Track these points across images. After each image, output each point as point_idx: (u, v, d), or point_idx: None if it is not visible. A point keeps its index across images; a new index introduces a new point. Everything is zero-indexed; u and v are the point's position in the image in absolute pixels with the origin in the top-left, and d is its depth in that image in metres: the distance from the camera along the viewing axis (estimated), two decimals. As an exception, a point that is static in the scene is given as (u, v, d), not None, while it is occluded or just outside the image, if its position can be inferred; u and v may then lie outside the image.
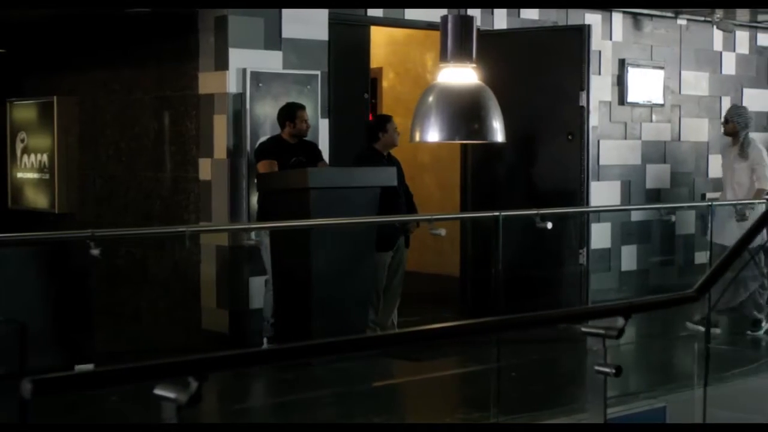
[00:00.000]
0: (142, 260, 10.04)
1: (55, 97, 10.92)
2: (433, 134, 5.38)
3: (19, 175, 11.51)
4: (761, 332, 9.61)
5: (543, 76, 10.03)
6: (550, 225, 7.13)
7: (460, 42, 5.42)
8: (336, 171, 8.73)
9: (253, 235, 6.28)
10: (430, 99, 5.44)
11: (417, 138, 5.46)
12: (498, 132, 5.40)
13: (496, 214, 6.80)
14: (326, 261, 8.32)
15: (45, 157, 11.09)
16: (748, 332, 9.66)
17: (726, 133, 9.96)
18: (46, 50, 11.38)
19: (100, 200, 10.65)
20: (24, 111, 11.49)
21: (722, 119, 10.05)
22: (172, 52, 9.68)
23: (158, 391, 2.63)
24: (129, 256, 10.16)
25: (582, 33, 9.96)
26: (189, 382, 2.62)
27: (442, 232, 6.97)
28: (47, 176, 11.06)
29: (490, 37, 10.43)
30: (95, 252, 5.42)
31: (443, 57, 5.48)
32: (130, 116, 10.24)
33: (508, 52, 10.19)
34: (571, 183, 9.93)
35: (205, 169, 9.27)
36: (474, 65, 5.49)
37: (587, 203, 9.89)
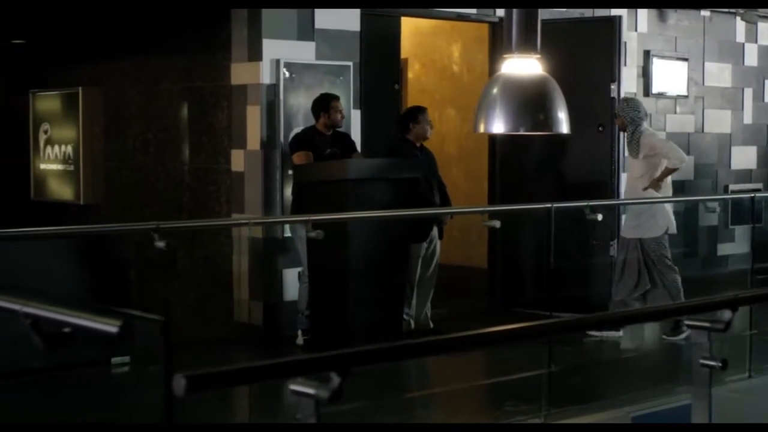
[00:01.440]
0: (172, 252, 9.97)
1: (80, 88, 10.84)
2: (498, 125, 5.34)
3: (42, 166, 11.43)
4: (682, 336, 8.76)
5: (573, 67, 9.96)
6: (600, 217, 7.09)
7: (525, 33, 5.37)
8: (373, 162, 8.68)
9: (308, 227, 6.19)
10: (495, 90, 5.39)
11: (481, 129, 5.41)
12: (563, 123, 5.36)
13: (548, 205, 6.75)
14: (363, 252, 8.29)
15: (69, 149, 11.02)
16: (665, 337, 9.08)
17: (619, 128, 9.42)
18: (69, 41, 11.29)
19: (126, 191, 10.58)
20: (47, 102, 11.42)
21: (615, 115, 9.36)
22: (202, 43, 9.61)
23: (295, 387, 2.58)
24: (158, 248, 10.07)
25: (613, 24, 9.92)
26: (330, 378, 2.57)
27: (497, 223, 6.93)
28: (72, 167, 10.99)
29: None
30: (161, 244, 5.36)
31: (507, 48, 5.43)
32: (158, 107, 10.18)
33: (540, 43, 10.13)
34: (601, 174, 9.89)
35: (237, 161, 9.21)
36: (538, 56, 5.45)
37: (617, 195, 9.84)
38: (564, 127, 5.37)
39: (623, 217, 9.57)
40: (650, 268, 9.13)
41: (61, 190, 11.18)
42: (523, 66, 5.42)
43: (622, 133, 9.50)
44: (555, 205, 6.83)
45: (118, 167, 10.68)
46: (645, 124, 9.20)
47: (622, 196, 9.49)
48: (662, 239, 9.13)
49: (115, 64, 10.69)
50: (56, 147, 11.21)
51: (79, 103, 10.80)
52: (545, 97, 5.36)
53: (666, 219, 9.14)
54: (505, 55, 5.47)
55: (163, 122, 10.14)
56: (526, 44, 5.37)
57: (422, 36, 11.19)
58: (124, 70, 10.57)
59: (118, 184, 10.69)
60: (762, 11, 12.26)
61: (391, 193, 8.36)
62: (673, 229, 9.24)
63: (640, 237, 9.09)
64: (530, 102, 5.36)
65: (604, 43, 9.83)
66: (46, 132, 11.36)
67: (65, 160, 11.09)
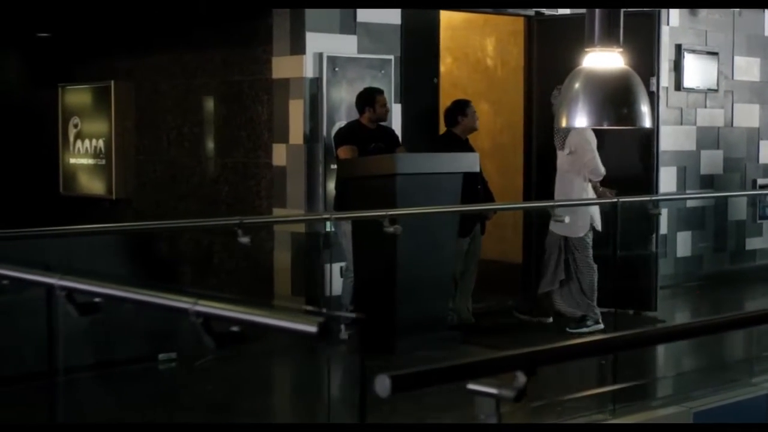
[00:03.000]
0: (208, 247, 9.91)
1: (112, 82, 10.76)
2: (581, 119, 5.29)
3: (72, 160, 11.36)
4: (585, 330, 8.94)
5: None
6: (660, 212, 7.05)
7: (608, 26, 5.32)
8: (421, 157, 8.60)
9: (386, 222, 6.13)
10: (577, 84, 5.34)
11: (564, 123, 5.37)
12: (646, 116, 5.32)
13: (615, 200, 6.71)
14: (410, 247, 8.22)
15: (101, 143, 10.94)
16: (569, 330, 9.04)
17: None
18: (98, 35, 11.20)
19: (159, 186, 10.51)
20: (77, 96, 11.34)
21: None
22: (240, 36, 9.55)
23: (475, 387, 2.52)
24: (192, 243, 10.03)
25: (652, 18, 9.87)
26: (516, 377, 2.51)
27: (566, 219, 6.88)
28: (103, 162, 10.92)
29: (555, 21, 10.36)
30: (245, 239, 5.30)
31: (590, 42, 5.38)
32: (193, 101, 10.11)
33: (573, 37, 10.09)
34: (639, 169, 9.85)
35: (279, 155, 9.14)
36: (621, 49, 5.40)
37: (656, 190, 9.79)
38: (647, 121, 5.33)
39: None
40: (569, 263, 9.10)
41: (92, 185, 11.10)
42: (606, 60, 5.37)
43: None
44: (621, 199, 6.78)
45: (151, 162, 10.61)
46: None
47: (555, 190, 9.31)
48: (586, 238, 9.05)
49: (149, 58, 10.61)
50: (86, 141, 11.13)
51: (111, 96, 10.72)
52: (629, 91, 5.32)
53: (587, 219, 9.00)
54: (586, 49, 5.41)
55: (198, 116, 10.07)
56: (609, 38, 5.32)
57: (454, 30, 11.12)
58: (158, 63, 10.49)
59: (150, 179, 10.62)
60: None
61: (439, 188, 8.30)
62: (598, 227, 9.05)
63: (565, 235, 9.03)
64: (614, 96, 5.32)
65: (644, 37, 9.77)
66: (76, 126, 11.28)
67: (96, 155, 11.01)
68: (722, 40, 12.00)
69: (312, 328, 2.29)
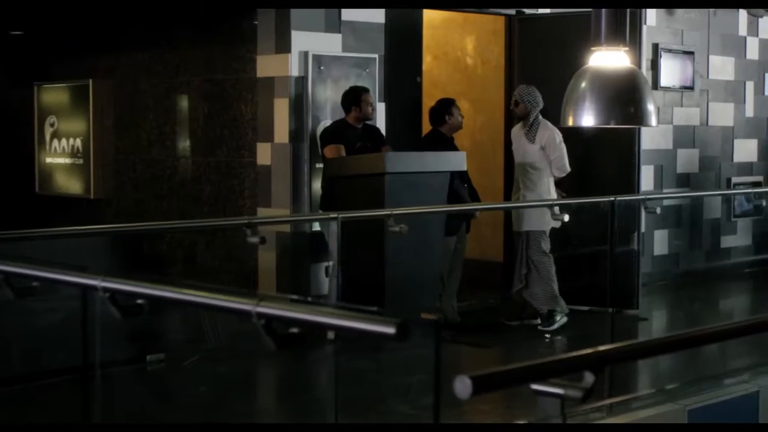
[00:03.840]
0: (191, 247, 9.84)
1: (90, 80, 10.65)
2: (587, 118, 5.30)
3: (48, 160, 11.23)
4: (554, 327, 9.08)
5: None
6: (659, 210, 7.08)
7: (615, 25, 5.33)
8: (410, 156, 8.60)
9: (390, 221, 6.10)
10: (583, 84, 5.34)
11: (570, 123, 5.37)
12: (652, 115, 5.34)
13: (611, 199, 6.73)
14: (399, 246, 8.21)
15: (78, 142, 10.83)
16: (540, 327, 9.11)
17: (517, 116, 9.28)
18: (77, 33, 11.08)
19: (139, 185, 10.42)
20: (54, 94, 11.21)
21: (512, 102, 9.24)
22: (223, 35, 9.49)
23: (539, 387, 2.51)
24: (175, 243, 9.96)
25: (634, 17, 9.89)
26: (583, 376, 2.50)
27: (566, 217, 6.89)
28: (81, 161, 10.81)
29: (535, 20, 10.39)
30: (254, 239, 5.26)
31: (596, 40, 5.38)
32: (175, 99, 10.04)
33: (554, 36, 10.13)
34: (621, 167, 9.88)
35: (263, 154, 9.10)
36: (627, 48, 5.40)
37: (638, 189, 9.83)
38: (653, 120, 5.36)
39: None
40: (529, 258, 9.13)
41: (69, 184, 10.99)
42: (612, 58, 5.37)
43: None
44: (618, 198, 6.81)
45: (130, 161, 10.51)
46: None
47: (521, 185, 9.30)
48: (546, 233, 9.09)
49: (129, 56, 10.51)
50: (63, 140, 11.02)
51: (90, 95, 10.62)
52: (635, 90, 5.33)
53: (548, 214, 9.03)
54: (592, 48, 5.41)
55: (180, 115, 10.00)
56: (616, 37, 5.32)
57: (434, 29, 11.10)
58: (138, 61, 10.40)
59: (130, 178, 10.53)
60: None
61: (427, 187, 8.29)
62: (557, 223, 9.08)
63: (527, 230, 9.07)
64: (621, 95, 5.33)
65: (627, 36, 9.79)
66: (52, 125, 11.16)
67: (74, 154, 10.90)
68: (698, 40, 12.08)
69: (390, 330, 2.26)
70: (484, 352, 8.61)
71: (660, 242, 11.76)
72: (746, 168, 12.75)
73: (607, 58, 5.38)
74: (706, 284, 11.84)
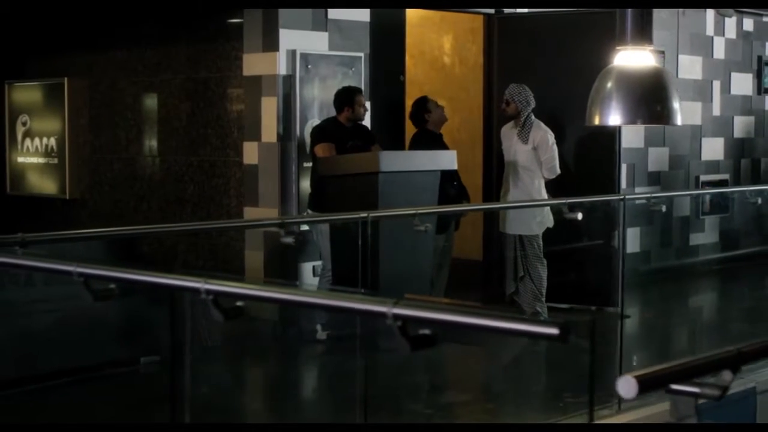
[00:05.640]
0: (172, 247, 9.74)
1: (65, 79, 10.50)
2: (614, 117, 5.31)
3: (20, 159, 11.06)
4: None
5: (571, 58, 9.99)
6: (664, 208, 7.13)
7: (640, 24, 5.35)
8: (403, 154, 8.61)
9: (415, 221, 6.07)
10: (609, 83, 5.36)
11: (596, 122, 5.39)
12: (678, 114, 5.37)
13: (620, 197, 6.76)
14: (391, 245, 8.18)
15: (53, 141, 10.68)
16: None
17: (508, 115, 9.28)
18: (52, 31, 10.90)
19: (117, 185, 10.30)
20: (26, 93, 11.04)
21: (503, 101, 9.22)
22: (207, 33, 9.41)
23: (675, 386, 2.50)
24: (156, 244, 9.84)
25: (613, 15, 9.94)
26: (721, 375, 2.50)
27: (579, 215, 6.90)
28: (55, 161, 10.66)
29: (514, 19, 10.41)
30: (288, 240, 5.21)
31: (621, 40, 5.40)
32: (156, 98, 9.93)
33: (533, 34, 10.17)
34: (600, 166, 9.94)
35: (250, 153, 9.03)
36: (652, 47, 5.43)
37: (618, 188, 9.89)
38: (678, 119, 5.39)
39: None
40: (523, 260, 9.18)
41: (43, 184, 10.83)
42: (637, 57, 5.40)
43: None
44: (627, 196, 6.84)
45: (108, 160, 10.38)
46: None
47: (511, 186, 9.35)
48: (540, 236, 9.16)
49: (106, 54, 10.38)
50: (36, 139, 10.85)
51: (65, 94, 10.47)
52: (662, 88, 5.36)
53: (542, 216, 9.11)
54: (618, 47, 5.43)
55: (160, 114, 9.89)
56: (642, 36, 5.34)
57: (411, 27, 11.03)
58: (117, 59, 10.27)
59: (107, 178, 10.40)
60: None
61: (419, 186, 8.29)
62: (550, 224, 9.14)
63: (521, 234, 9.12)
64: (647, 93, 5.35)
65: (605, 35, 9.84)
66: (24, 124, 10.99)
67: (48, 153, 10.74)
68: (668, 39, 12.18)
69: (554, 330, 2.24)
70: (473, 349, 8.60)
71: (632, 240, 11.83)
72: (713, 166, 12.89)
73: (633, 57, 5.40)
74: (678, 281, 11.98)
